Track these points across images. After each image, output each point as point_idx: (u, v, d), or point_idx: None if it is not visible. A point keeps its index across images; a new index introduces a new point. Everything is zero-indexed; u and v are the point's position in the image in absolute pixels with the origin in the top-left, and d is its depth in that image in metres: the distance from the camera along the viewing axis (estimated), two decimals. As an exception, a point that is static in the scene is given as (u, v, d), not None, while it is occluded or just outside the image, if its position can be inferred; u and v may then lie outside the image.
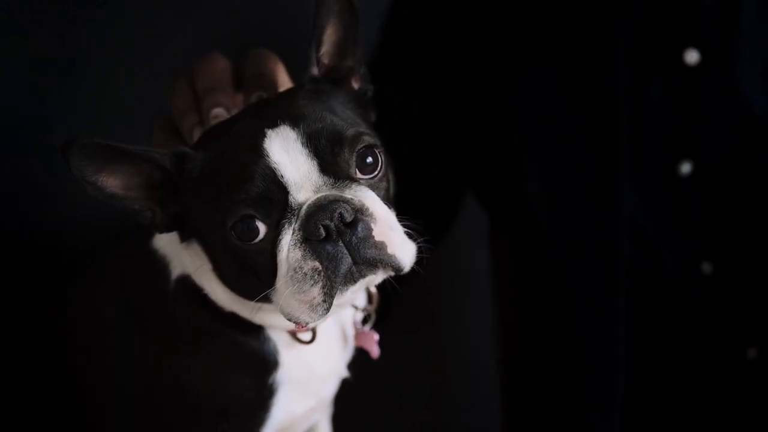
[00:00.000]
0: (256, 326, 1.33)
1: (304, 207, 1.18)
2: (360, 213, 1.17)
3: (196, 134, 1.32)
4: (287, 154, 1.19)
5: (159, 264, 1.35)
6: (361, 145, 1.22)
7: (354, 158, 1.22)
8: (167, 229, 1.29)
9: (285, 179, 1.18)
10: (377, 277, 1.22)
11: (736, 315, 1.69)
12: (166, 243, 1.35)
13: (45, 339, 1.48)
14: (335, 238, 1.17)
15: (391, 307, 1.49)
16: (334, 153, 1.20)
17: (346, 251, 1.17)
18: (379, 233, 1.18)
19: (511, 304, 1.98)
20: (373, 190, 1.22)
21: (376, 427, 2.24)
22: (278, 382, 1.34)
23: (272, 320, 1.30)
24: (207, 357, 1.32)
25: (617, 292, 1.66)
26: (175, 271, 1.34)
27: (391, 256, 1.18)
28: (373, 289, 1.43)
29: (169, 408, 1.35)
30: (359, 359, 1.47)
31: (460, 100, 1.80)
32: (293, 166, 1.19)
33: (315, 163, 1.19)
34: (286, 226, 1.19)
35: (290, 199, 1.19)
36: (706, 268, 1.68)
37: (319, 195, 1.18)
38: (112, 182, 1.23)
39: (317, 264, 1.17)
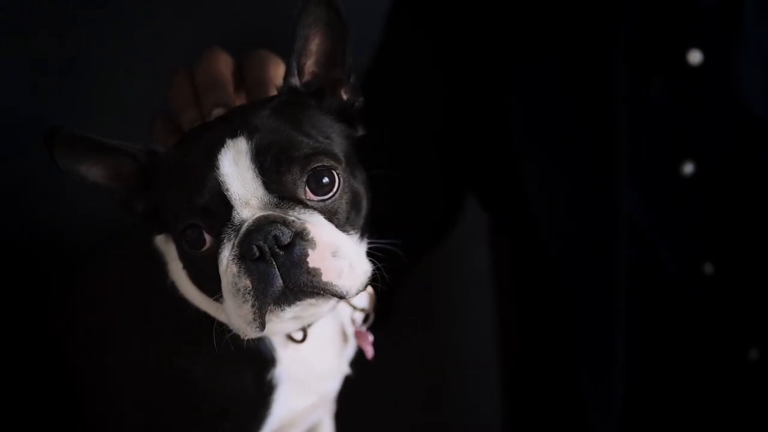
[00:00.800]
0: None
1: (245, 224, 1.17)
2: (299, 236, 1.16)
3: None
4: (236, 168, 1.18)
5: (159, 263, 1.35)
6: (315, 165, 1.20)
7: (305, 178, 1.20)
8: (147, 222, 1.30)
9: (230, 194, 1.18)
10: (318, 302, 1.20)
11: (737, 315, 1.69)
12: (162, 243, 1.35)
13: (45, 339, 1.48)
14: (268, 259, 1.16)
15: (391, 307, 1.49)
16: (280, 171, 1.19)
17: (277, 273, 1.16)
18: (315, 259, 1.16)
19: (512, 304, 1.98)
20: (325, 213, 1.21)
21: (377, 425, 2.23)
22: (277, 379, 1.34)
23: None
24: (207, 355, 1.31)
25: (617, 292, 1.66)
26: (170, 270, 1.35)
27: (325, 283, 1.17)
28: (370, 289, 1.42)
29: (171, 407, 1.35)
30: (361, 358, 1.47)
31: (460, 101, 1.80)
32: (240, 181, 1.18)
33: (260, 180, 1.18)
34: (225, 241, 1.18)
35: (234, 214, 1.18)
36: (708, 268, 1.67)
37: (260, 214, 1.18)
38: (94, 172, 1.26)
39: (248, 283, 1.17)
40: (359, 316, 1.44)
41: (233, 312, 1.19)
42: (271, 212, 1.18)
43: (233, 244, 1.18)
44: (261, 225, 1.16)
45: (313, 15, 1.26)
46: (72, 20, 1.74)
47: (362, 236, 1.26)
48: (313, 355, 1.38)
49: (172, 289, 1.33)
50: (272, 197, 1.19)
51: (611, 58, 1.61)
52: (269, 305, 1.17)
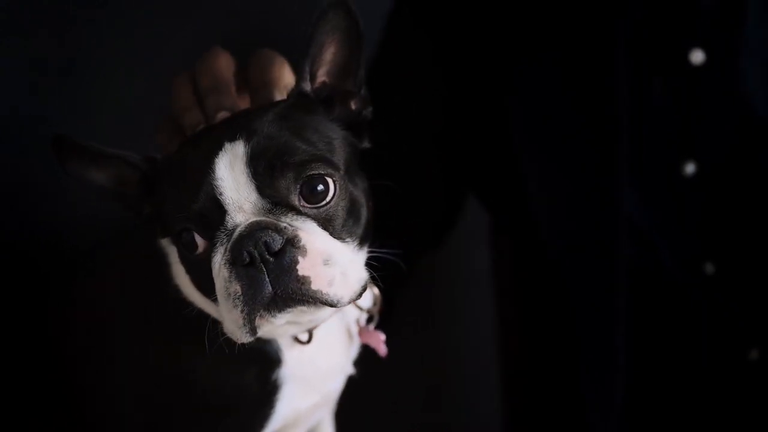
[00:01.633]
0: None
1: (237, 230, 1.18)
2: (290, 244, 1.16)
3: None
4: (231, 173, 1.18)
5: (161, 263, 1.36)
6: (310, 172, 1.19)
7: (299, 184, 1.20)
8: (153, 224, 1.31)
9: (223, 198, 1.18)
10: (309, 310, 1.20)
11: (738, 316, 1.69)
12: (166, 245, 1.36)
13: (45, 339, 1.48)
14: (258, 265, 1.16)
15: (393, 308, 1.49)
16: (273, 176, 1.18)
17: (267, 280, 1.16)
18: (305, 267, 1.16)
19: (512, 304, 1.98)
20: (320, 221, 1.20)
21: (377, 425, 2.23)
22: (282, 379, 1.34)
23: None
24: (209, 354, 1.30)
25: (617, 292, 1.66)
26: (173, 272, 1.35)
27: (315, 291, 1.16)
28: (376, 291, 1.42)
29: (173, 406, 1.36)
30: (363, 358, 1.47)
31: (460, 101, 1.80)
32: (234, 186, 1.18)
33: (254, 185, 1.18)
34: (218, 245, 1.19)
35: (227, 219, 1.18)
36: (709, 268, 1.68)
37: (253, 219, 1.18)
38: (99, 177, 1.29)
39: (238, 288, 1.17)
40: (364, 317, 1.44)
41: (226, 315, 1.20)
42: (263, 218, 1.18)
43: (225, 248, 1.18)
44: (252, 231, 1.16)
45: (332, 23, 1.25)
46: (72, 20, 1.74)
47: (361, 244, 1.26)
48: (319, 356, 1.38)
49: (176, 290, 1.33)
50: (266, 203, 1.19)
51: (611, 58, 1.61)
52: (259, 311, 1.17)
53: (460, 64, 1.78)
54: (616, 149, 1.61)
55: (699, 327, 1.72)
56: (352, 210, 1.24)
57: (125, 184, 1.29)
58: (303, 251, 1.17)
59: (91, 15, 1.75)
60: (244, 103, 1.36)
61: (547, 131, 1.70)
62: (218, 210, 1.19)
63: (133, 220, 1.32)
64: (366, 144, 1.32)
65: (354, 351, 1.46)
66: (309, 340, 1.35)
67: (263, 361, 1.34)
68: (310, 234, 1.18)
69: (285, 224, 1.18)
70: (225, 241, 1.18)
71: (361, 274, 1.22)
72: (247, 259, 1.16)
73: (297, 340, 1.35)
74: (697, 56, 1.59)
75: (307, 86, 1.28)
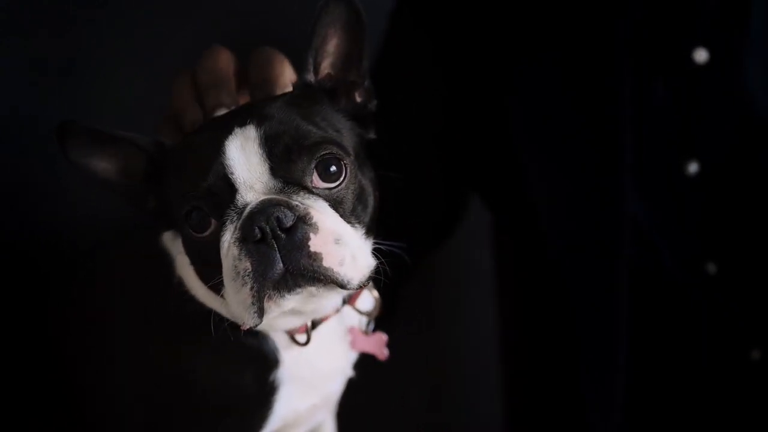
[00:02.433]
0: None
1: (248, 207, 1.18)
2: (302, 221, 1.16)
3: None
4: (243, 153, 1.19)
5: (164, 260, 1.36)
6: (323, 153, 1.20)
7: (313, 165, 1.20)
8: (157, 218, 1.31)
9: (234, 177, 1.18)
10: (319, 291, 1.19)
11: (740, 316, 1.68)
12: (170, 240, 1.36)
13: (45, 339, 1.48)
14: (269, 241, 1.16)
15: (395, 307, 1.49)
16: (290, 158, 1.19)
17: (278, 256, 1.16)
18: (317, 244, 1.16)
19: (513, 304, 1.98)
20: (331, 202, 1.21)
21: (378, 425, 2.23)
22: (280, 380, 1.34)
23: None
24: (209, 354, 1.32)
25: (618, 292, 1.65)
26: (177, 267, 1.35)
27: (326, 269, 1.16)
28: (376, 294, 1.42)
29: (172, 406, 1.35)
30: (364, 359, 1.47)
31: (460, 100, 1.80)
32: (246, 165, 1.19)
33: (267, 165, 1.19)
34: (228, 223, 1.19)
35: (238, 197, 1.19)
36: (711, 268, 1.67)
37: (265, 197, 1.18)
38: (103, 167, 1.28)
39: (248, 265, 1.16)
40: (364, 321, 1.44)
41: (232, 298, 1.19)
42: (275, 196, 1.18)
43: (235, 226, 1.18)
44: (264, 207, 1.17)
45: (333, 14, 1.26)
46: (72, 20, 1.74)
47: (368, 233, 1.26)
48: (318, 357, 1.38)
49: (179, 285, 1.33)
50: (277, 182, 1.19)
51: (613, 58, 1.61)
52: (268, 289, 1.16)
53: (460, 64, 1.77)
54: (618, 149, 1.61)
55: (700, 327, 1.72)
56: (361, 196, 1.25)
57: (129, 174, 1.29)
58: (315, 228, 1.17)
59: (91, 15, 1.76)
60: (244, 101, 1.36)
61: (548, 131, 1.70)
62: (229, 189, 1.19)
63: (135, 213, 1.31)
64: (372, 135, 1.33)
65: (354, 354, 1.45)
66: (307, 342, 1.35)
67: (261, 362, 1.34)
68: (322, 213, 1.19)
69: (297, 202, 1.18)
70: (235, 219, 1.18)
71: (370, 260, 1.22)
72: (259, 235, 1.16)
73: (295, 341, 1.35)
74: (701, 55, 1.59)
75: (311, 78, 1.29)
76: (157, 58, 1.78)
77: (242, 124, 1.20)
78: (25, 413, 1.48)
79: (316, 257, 1.16)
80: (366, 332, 1.44)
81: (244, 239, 1.17)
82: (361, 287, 1.21)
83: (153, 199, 1.30)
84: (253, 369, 1.34)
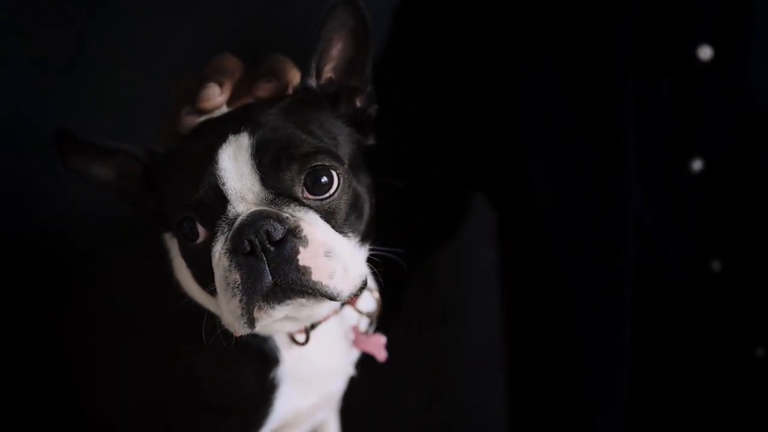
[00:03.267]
0: None
1: (239, 219, 1.18)
2: (291, 234, 1.16)
3: (184, 113, 1.31)
4: (235, 163, 1.19)
5: (165, 260, 1.36)
6: (315, 163, 1.20)
7: (303, 176, 1.20)
8: (156, 219, 1.31)
9: (226, 188, 1.18)
10: (309, 303, 1.19)
11: (744, 314, 1.68)
12: (170, 241, 1.36)
13: (47, 338, 1.49)
14: (258, 254, 1.16)
15: (397, 307, 1.48)
16: (279, 168, 1.19)
17: (267, 269, 1.16)
18: (306, 258, 1.16)
19: (516, 303, 1.98)
20: (322, 213, 1.21)
21: (381, 424, 2.23)
22: (279, 378, 1.35)
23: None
24: (210, 353, 1.32)
25: (621, 291, 1.65)
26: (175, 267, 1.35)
27: (315, 283, 1.16)
28: (376, 295, 1.42)
29: (174, 403, 1.36)
30: (366, 358, 1.47)
31: (461, 100, 1.80)
32: (237, 176, 1.18)
33: (258, 176, 1.19)
34: (219, 234, 1.19)
35: (229, 208, 1.19)
36: (715, 266, 1.67)
37: (255, 209, 1.18)
38: (102, 172, 1.29)
39: (238, 277, 1.16)
40: (364, 321, 1.44)
41: (224, 306, 1.19)
42: (265, 208, 1.18)
43: (226, 237, 1.18)
44: (254, 219, 1.16)
45: (339, 19, 1.26)
46: (72, 20, 1.74)
47: (363, 241, 1.26)
48: (318, 356, 1.38)
49: (177, 286, 1.33)
50: (268, 193, 1.19)
51: (615, 56, 1.60)
52: (258, 301, 1.16)
53: (461, 63, 1.77)
54: (621, 147, 1.61)
55: (703, 326, 1.71)
56: (355, 205, 1.24)
57: (127, 179, 1.29)
58: (304, 241, 1.17)
59: (91, 15, 1.76)
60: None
61: (550, 130, 1.69)
62: (220, 199, 1.19)
63: (135, 215, 1.32)
64: (371, 141, 1.32)
65: (355, 353, 1.45)
66: (306, 341, 1.35)
67: (262, 361, 1.34)
68: (312, 225, 1.18)
69: (287, 214, 1.18)
70: (226, 230, 1.18)
71: (362, 270, 1.22)
72: (248, 248, 1.16)
73: (294, 340, 1.35)
74: (705, 52, 1.59)
75: (313, 82, 1.29)
76: (157, 58, 1.78)
77: (236, 131, 1.20)
78: (26, 413, 1.48)
79: (305, 271, 1.16)
80: (366, 333, 1.44)
81: (234, 251, 1.17)
82: (353, 297, 1.21)
83: (151, 201, 1.31)
84: (253, 368, 1.34)
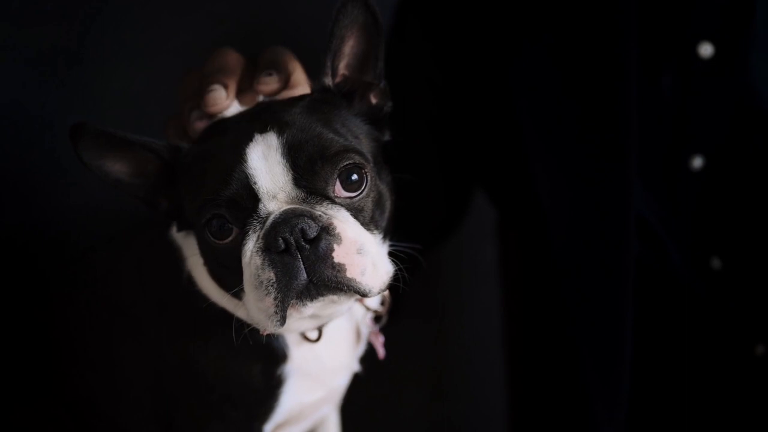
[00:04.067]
0: None
1: (271, 217, 1.18)
2: (325, 231, 1.17)
3: (194, 118, 1.31)
4: (265, 162, 1.19)
5: (175, 254, 1.36)
6: (346, 163, 1.21)
7: (335, 175, 1.21)
8: (170, 218, 1.31)
9: (257, 187, 1.18)
10: (340, 299, 1.20)
11: (744, 311, 1.68)
12: (180, 238, 1.36)
13: (48, 334, 1.48)
14: (293, 252, 1.16)
15: (401, 303, 1.48)
16: (313, 168, 1.20)
17: (302, 267, 1.16)
18: (340, 255, 1.17)
19: (518, 299, 1.98)
20: (352, 211, 1.21)
21: (382, 419, 2.24)
22: (287, 373, 1.35)
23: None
24: (219, 345, 1.32)
25: (623, 288, 1.64)
26: (187, 265, 1.35)
27: (350, 279, 1.17)
28: (385, 291, 1.42)
29: (181, 397, 1.36)
30: (369, 353, 1.47)
31: (462, 98, 1.79)
32: (269, 175, 1.19)
33: (291, 175, 1.19)
34: (250, 232, 1.19)
35: (260, 206, 1.19)
36: (715, 263, 1.67)
37: (288, 207, 1.18)
38: (117, 168, 1.28)
39: (272, 275, 1.16)
40: (369, 317, 1.44)
41: (254, 305, 1.19)
42: (297, 206, 1.18)
43: (258, 236, 1.18)
44: (288, 218, 1.16)
45: (350, 16, 1.26)
46: (76, 14, 1.73)
47: (384, 237, 1.26)
48: (326, 353, 1.38)
49: (189, 283, 1.33)
50: (300, 192, 1.19)
51: (617, 53, 1.60)
52: (292, 299, 1.16)
53: (461, 60, 1.76)
54: (623, 144, 1.60)
55: (704, 323, 1.71)
56: (379, 202, 1.25)
57: (142, 176, 1.29)
58: (338, 239, 1.17)
59: (94, 9, 1.75)
60: (248, 99, 1.34)
61: (553, 127, 1.69)
62: (251, 198, 1.19)
63: (137, 211, 1.31)
64: (387, 137, 1.33)
65: (360, 349, 1.46)
66: (318, 338, 1.35)
67: (269, 357, 1.34)
68: (344, 222, 1.19)
69: (320, 212, 1.18)
70: (258, 228, 1.18)
71: (388, 266, 1.23)
72: (283, 246, 1.16)
73: (306, 338, 1.35)
74: (706, 50, 1.59)
75: (329, 81, 1.29)
76: (162, 52, 1.78)
77: (262, 131, 1.20)
78: (28, 408, 1.48)
79: (339, 268, 1.17)
80: (372, 329, 1.45)
81: (268, 249, 1.17)
82: (379, 293, 1.21)
83: (165, 201, 1.30)
84: (261, 363, 1.34)
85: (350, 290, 1.18)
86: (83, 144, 1.24)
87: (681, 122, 1.63)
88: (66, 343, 1.46)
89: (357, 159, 1.21)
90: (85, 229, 1.69)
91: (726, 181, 1.64)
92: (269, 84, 1.30)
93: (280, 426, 1.40)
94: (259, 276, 1.17)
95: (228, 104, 1.30)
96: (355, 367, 1.45)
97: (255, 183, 1.18)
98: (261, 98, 1.34)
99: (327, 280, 1.16)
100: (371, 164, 1.24)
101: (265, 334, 1.23)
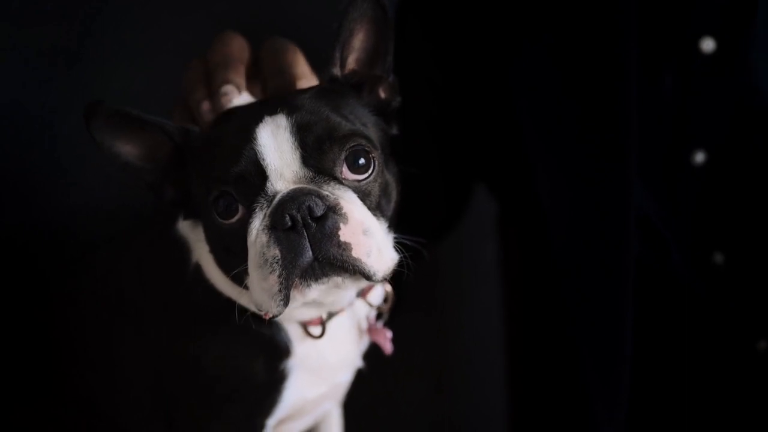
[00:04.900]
0: None
1: (279, 195, 1.18)
2: (332, 211, 1.17)
3: (204, 108, 1.32)
4: (274, 141, 1.20)
5: (180, 248, 1.36)
6: (353, 144, 1.22)
7: (343, 156, 1.22)
8: (175, 205, 1.31)
9: (266, 164, 1.19)
10: (345, 282, 1.20)
11: (746, 307, 1.68)
12: (187, 228, 1.36)
13: (49, 332, 1.48)
14: (300, 229, 1.16)
15: (401, 300, 1.48)
16: (321, 148, 1.20)
17: (308, 245, 1.16)
18: (346, 234, 1.17)
19: (518, 296, 1.98)
20: (359, 194, 1.22)
21: (383, 418, 2.24)
22: (290, 369, 1.35)
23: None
24: (222, 340, 1.32)
25: (624, 285, 1.64)
26: (195, 255, 1.35)
27: (355, 259, 1.17)
28: (389, 288, 1.43)
29: (183, 391, 1.36)
30: (371, 350, 1.47)
31: (462, 95, 1.79)
32: (277, 153, 1.19)
33: (299, 154, 1.20)
34: (257, 210, 1.19)
35: (268, 185, 1.19)
36: (718, 258, 1.67)
37: (296, 186, 1.19)
38: (128, 150, 1.28)
39: (277, 252, 1.17)
40: (373, 314, 1.44)
41: (257, 286, 1.19)
42: (305, 185, 1.19)
43: (265, 214, 1.18)
44: (296, 195, 1.17)
45: (360, 10, 1.27)
46: (75, 13, 1.73)
47: (390, 228, 1.27)
48: (329, 349, 1.38)
49: (196, 272, 1.33)
50: (308, 171, 1.20)
51: (619, 49, 1.60)
52: (296, 276, 1.16)
53: (460, 61, 1.76)
54: (624, 140, 1.61)
55: (705, 322, 1.71)
56: (386, 190, 1.26)
57: (151, 160, 1.29)
58: (345, 218, 1.17)
59: (95, 7, 1.75)
60: (255, 90, 1.36)
61: (553, 123, 1.69)
62: (259, 175, 1.19)
63: (138, 208, 1.33)
64: (395, 131, 1.34)
65: (363, 345, 1.46)
66: (322, 334, 1.35)
67: (273, 351, 1.34)
68: (351, 203, 1.20)
69: (327, 192, 1.19)
70: (265, 206, 1.19)
71: (393, 254, 1.23)
72: (289, 223, 1.16)
73: (309, 333, 1.35)
74: (708, 45, 1.59)
75: (338, 71, 1.30)
76: (162, 52, 1.78)
77: (272, 113, 1.21)
78: (28, 406, 1.48)
79: (345, 247, 1.17)
80: (375, 326, 1.45)
81: (274, 227, 1.17)
82: (384, 280, 1.21)
83: (171, 188, 1.31)
84: (264, 358, 1.34)
85: (355, 271, 1.17)
86: (97, 122, 1.24)
87: (682, 120, 1.63)
88: (66, 343, 1.46)
89: (364, 143, 1.23)
90: (85, 229, 1.69)
91: (728, 176, 1.64)
92: (276, 84, 1.32)
93: (282, 421, 1.40)
94: (264, 254, 1.17)
95: (242, 100, 1.31)
96: (358, 363, 1.45)
97: (263, 160, 1.19)
98: None
99: (332, 258, 1.16)
100: (379, 151, 1.25)
101: (268, 318, 1.23)
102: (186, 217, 1.33)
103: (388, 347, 1.45)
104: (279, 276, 1.16)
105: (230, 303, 1.29)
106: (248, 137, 1.20)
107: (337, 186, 1.20)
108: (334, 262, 1.16)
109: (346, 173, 1.22)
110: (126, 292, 1.41)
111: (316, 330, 1.35)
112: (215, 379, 1.34)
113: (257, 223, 1.19)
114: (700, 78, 1.61)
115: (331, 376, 1.41)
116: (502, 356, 2.10)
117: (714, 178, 1.64)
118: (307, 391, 1.38)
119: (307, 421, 1.48)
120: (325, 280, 1.18)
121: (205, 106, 1.31)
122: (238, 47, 1.36)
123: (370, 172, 1.23)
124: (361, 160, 1.22)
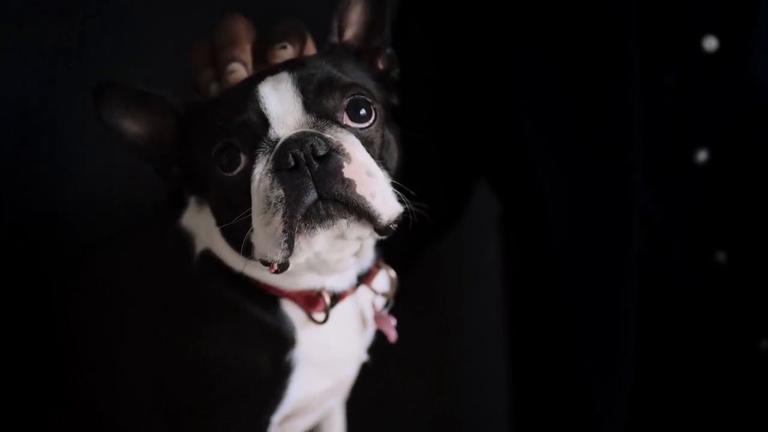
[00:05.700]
0: (272, 302, 1.34)
1: (281, 140, 1.19)
2: (335, 150, 1.18)
3: (213, 90, 1.33)
4: (276, 92, 1.22)
5: (185, 240, 1.37)
6: (354, 92, 1.24)
7: (344, 103, 1.24)
8: (180, 182, 1.33)
9: (267, 111, 1.21)
10: (351, 226, 1.19)
11: (748, 306, 1.68)
12: (191, 220, 1.37)
13: (49, 330, 1.48)
14: (303, 168, 1.17)
15: (401, 295, 1.48)
16: (322, 92, 1.23)
17: (311, 183, 1.16)
18: (350, 171, 1.17)
19: (520, 295, 1.98)
20: (361, 140, 1.23)
21: (385, 414, 2.24)
22: (295, 360, 1.35)
23: (262, 275, 1.32)
24: (227, 333, 1.33)
25: (626, 284, 1.65)
26: (200, 246, 1.36)
27: (359, 197, 1.17)
28: (393, 273, 1.43)
29: (187, 388, 1.36)
30: (372, 348, 1.48)
31: (463, 93, 1.79)
32: (278, 101, 1.22)
33: (300, 100, 1.22)
34: (260, 155, 1.20)
35: (270, 131, 1.21)
36: (720, 257, 1.67)
37: (298, 130, 1.20)
38: (134, 129, 1.29)
39: (281, 192, 1.17)
40: (380, 301, 1.44)
41: (261, 233, 1.19)
42: (306, 129, 1.20)
43: (268, 158, 1.19)
44: (298, 137, 1.18)
45: None
46: (77, 10, 1.74)
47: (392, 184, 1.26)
48: (333, 339, 1.38)
49: (202, 261, 1.34)
50: (310, 117, 1.22)
51: (621, 47, 1.60)
52: (300, 213, 1.16)
53: (460, 61, 1.76)
54: (626, 138, 1.61)
55: (707, 321, 1.71)
56: (387, 145, 1.27)
57: (157, 138, 1.30)
58: (348, 158, 1.18)
59: (96, 4, 1.76)
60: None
61: (555, 122, 1.69)
62: (262, 123, 1.21)
63: (138, 206, 1.34)
64: (395, 101, 1.35)
65: (368, 338, 1.46)
66: (325, 320, 1.35)
67: (278, 342, 1.34)
68: (354, 146, 1.20)
69: (329, 135, 1.20)
70: (268, 152, 1.20)
71: (396, 204, 1.22)
72: (292, 163, 1.17)
73: (312, 319, 1.35)
74: (710, 43, 1.59)
75: (336, 39, 1.33)
76: (162, 52, 1.77)
77: (274, 72, 1.24)
78: (29, 405, 1.48)
79: (349, 183, 1.17)
80: (380, 313, 1.45)
81: (278, 168, 1.18)
82: (388, 230, 1.21)
83: (177, 165, 1.32)
84: (269, 349, 1.34)
85: (360, 209, 1.17)
86: (104, 101, 1.26)
87: (684, 119, 1.63)
88: (66, 343, 1.45)
89: (365, 93, 1.25)
90: (85, 229, 1.69)
91: (731, 174, 1.64)
92: (283, 57, 1.32)
93: (286, 418, 1.40)
94: (268, 197, 1.18)
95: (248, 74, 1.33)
96: (362, 356, 1.46)
97: (265, 108, 1.21)
98: None
99: (337, 195, 1.16)
100: (379, 105, 1.27)
101: (274, 270, 1.21)
102: (190, 191, 1.35)
103: (392, 335, 1.45)
104: (283, 215, 1.16)
105: (237, 291, 1.30)
106: (250, 91, 1.22)
107: (340, 129, 1.22)
108: (339, 198, 1.17)
109: (347, 121, 1.24)
110: (126, 292, 1.41)
111: (319, 316, 1.35)
112: (218, 377, 1.33)
113: (261, 168, 1.20)
114: (702, 77, 1.61)
115: (336, 368, 1.41)
116: (503, 356, 2.10)
117: (716, 176, 1.64)
118: (312, 385, 1.38)
119: (311, 419, 1.49)
120: (329, 223, 1.17)
121: (214, 88, 1.32)
122: (244, 27, 1.37)
123: (371, 121, 1.25)
124: (362, 111, 1.24)
